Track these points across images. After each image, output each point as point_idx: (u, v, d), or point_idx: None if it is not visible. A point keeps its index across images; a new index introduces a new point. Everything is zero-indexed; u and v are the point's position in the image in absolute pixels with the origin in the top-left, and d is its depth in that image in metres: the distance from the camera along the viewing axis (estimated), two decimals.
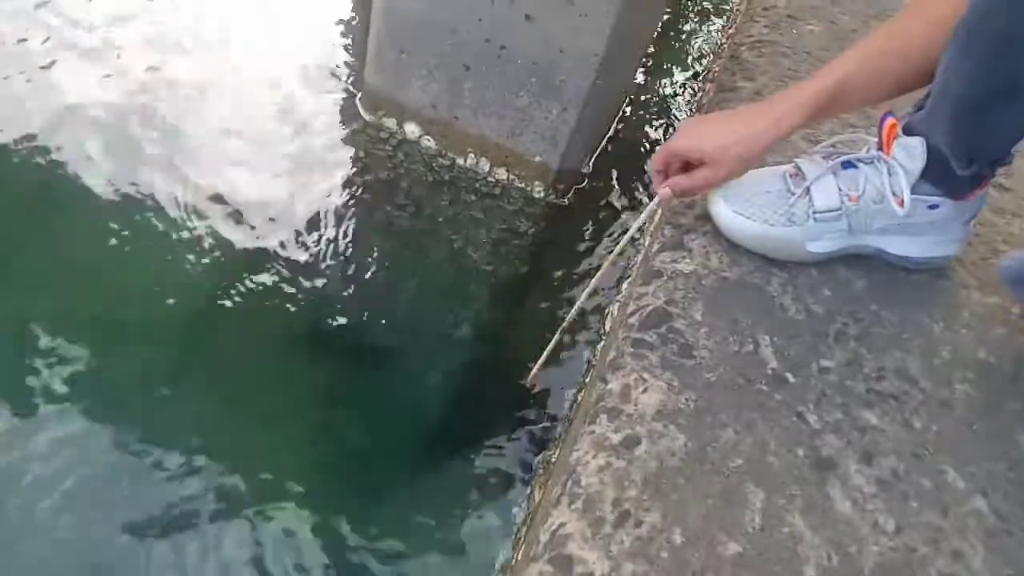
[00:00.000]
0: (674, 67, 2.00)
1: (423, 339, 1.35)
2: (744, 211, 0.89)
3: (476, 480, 1.17)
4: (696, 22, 2.22)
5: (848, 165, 0.88)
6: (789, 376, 0.80)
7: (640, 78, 1.89)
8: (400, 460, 1.19)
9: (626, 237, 0.92)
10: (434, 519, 1.13)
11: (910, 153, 0.84)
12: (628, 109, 1.76)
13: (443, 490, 1.18)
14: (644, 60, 1.92)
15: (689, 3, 2.29)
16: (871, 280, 0.92)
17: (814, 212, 0.88)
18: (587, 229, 1.52)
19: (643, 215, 0.90)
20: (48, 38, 1.62)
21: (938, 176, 0.84)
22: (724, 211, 0.90)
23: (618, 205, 1.56)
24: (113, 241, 1.32)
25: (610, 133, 1.64)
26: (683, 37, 2.15)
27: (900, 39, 0.81)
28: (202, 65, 1.65)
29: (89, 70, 1.59)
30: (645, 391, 0.75)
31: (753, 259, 0.91)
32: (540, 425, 1.22)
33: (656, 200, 0.88)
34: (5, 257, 1.28)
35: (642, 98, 1.85)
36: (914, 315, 0.90)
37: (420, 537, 1.10)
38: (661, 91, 1.90)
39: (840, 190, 0.87)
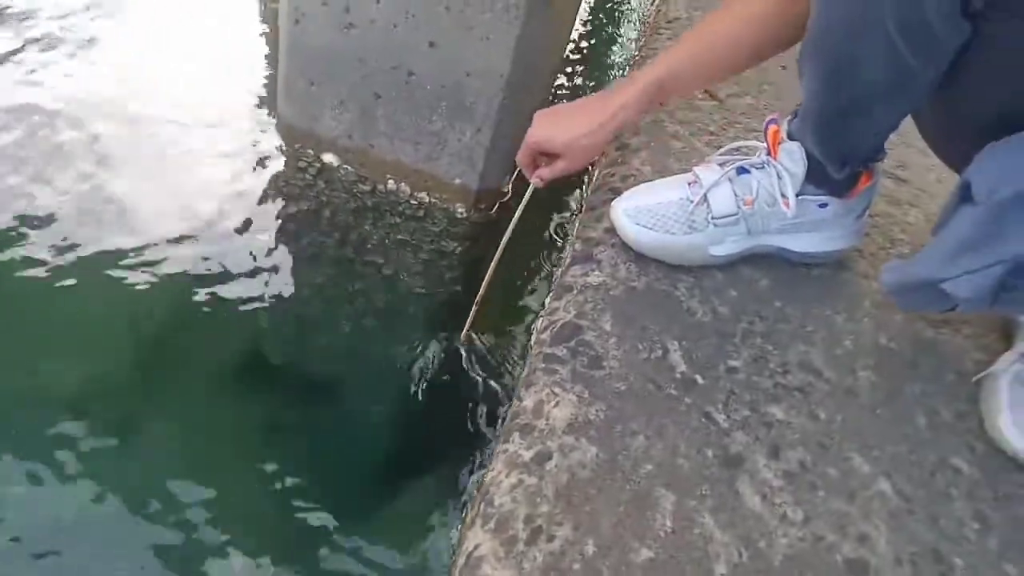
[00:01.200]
0: (591, 81, 2.04)
1: (361, 366, 1.34)
2: (646, 223, 0.92)
3: (421, 508, 1.17)
4: (611, 36, 2.27)
5: (742, 171, 0.91)
6: (698, 378, 0.82)
7: (563, 87, 1.92)
8: (344, 492, 1.17)
9: (509, 228, 0.99)
10: (379, 551, 1.12)
11: (792, 158, 0.88)
12: None
13: (387, 521, 1.17)
14: (562, 73, 1.95)
15: (603, 17, 2.34)
16: (774, 278, 0.95)
17: (713, 218, 0.90)
18: (514, 243, 1.53)
19: (522, 202, 0.98)
20: None
21: (819, 178, 0.88)
22: (627, 224, 0.92)
23: (541, 217, 1.58)
24: (38, 282, 1.29)
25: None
26: (599, 52, 2.19)
27: (715, 29, 0.88)
28: (120, 104, 1.62)
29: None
30: (556, 405, 0.76)
31: (660, 267, 0.94)
32: (480, 447, 1.23)
33: (530, 189, 0.96)
34: None
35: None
36: (817, 308, 0.93)
37: (367, 570, 1.09)
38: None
39: (736, 195, 0.90)
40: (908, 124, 0.85)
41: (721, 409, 0.79)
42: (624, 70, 2.11)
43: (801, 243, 0.96)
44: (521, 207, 0.97)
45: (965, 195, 0.71)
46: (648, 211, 0.91)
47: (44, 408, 1.16)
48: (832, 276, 0.98)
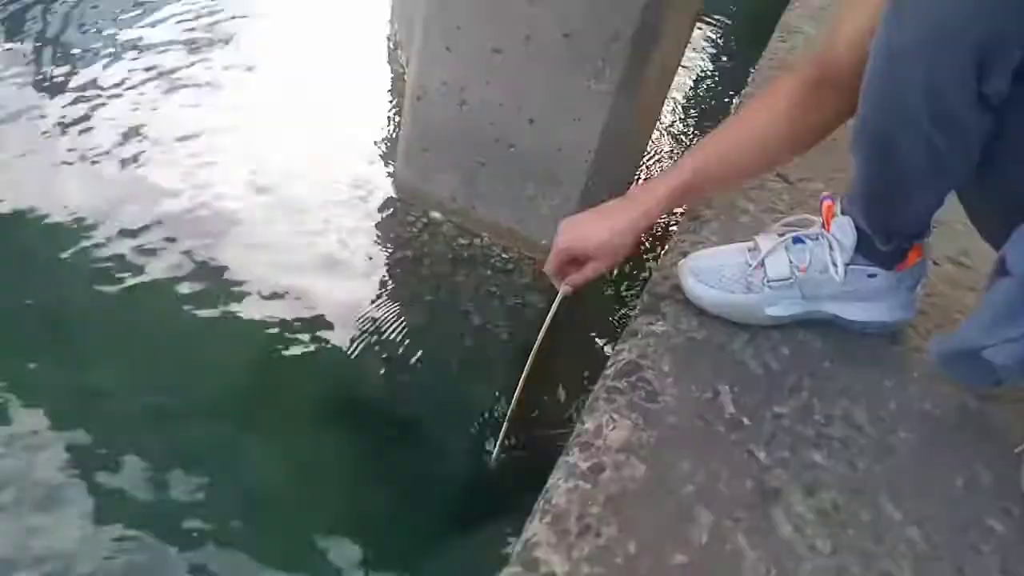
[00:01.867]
0: (676, 157, 2.18)
1: (448, 407, 1.46)
2: (708, 281, 1.03)
3: (500, 545, 1.23)
4: (694, 119, 2.42)
5: (798, 240, 1.02)
6: (744, 420, 0.91)
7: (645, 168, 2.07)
8: (428, 529, 1.28)
9: (542, 331, 1.07)
10: None
11: (843, 230, 0.97)
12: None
13: (470, 557, 1.26)
14: (649, 151, 2.11)
15: (691, 101, 2.50)
16: (827, 342, 1.04)
17: (768, 281, 1.00)
18: (594, 301, 1.66)
19: (551, 310, 1.05)
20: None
21: (868, 250, 0.97)
22: (691, 282, 1.04)
23: (621, 277, 1.71)
24: (146, 314, 1.49)
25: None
26: (686, 132, 2.34)
27: (741, 131, 0.97)
28: (253, 157, 1.87)
29: (140, 153, 1.82)
30: (614, 428, 0.87)
31: (720, 324, 1.04)
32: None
33: (560, 296, 1.03)
34: (57, 328, 1.44)
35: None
36: (865, 372, 1.00)
37: None
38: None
39: (791, 262, 1.00)
40: None
41: (763, 448, 0.87)
42: None
43: (854, 312, 1.04)
44: (550, 315, 1.05)
45: (1002, 269, 0.78)
46: (710, 271, 1.02)
47: (140, 427, 1.30)
48: (884, 346, 1.05)
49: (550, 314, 1.05)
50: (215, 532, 1.20)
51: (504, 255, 1.68)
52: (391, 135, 2.00)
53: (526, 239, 1.60)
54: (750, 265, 1.01)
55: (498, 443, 1.25)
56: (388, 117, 2.09)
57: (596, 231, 0.97)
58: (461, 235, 1.71)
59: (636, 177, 1.96)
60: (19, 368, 1.37)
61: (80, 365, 1.40)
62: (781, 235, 1.03)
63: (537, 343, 1.09)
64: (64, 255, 1.57)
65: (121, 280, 1.55)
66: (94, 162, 1.79)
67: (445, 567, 1.24)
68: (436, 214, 1.70)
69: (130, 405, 1.35)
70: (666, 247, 1.31)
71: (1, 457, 1.23)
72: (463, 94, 1.46)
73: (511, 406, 1.16)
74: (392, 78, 2.26)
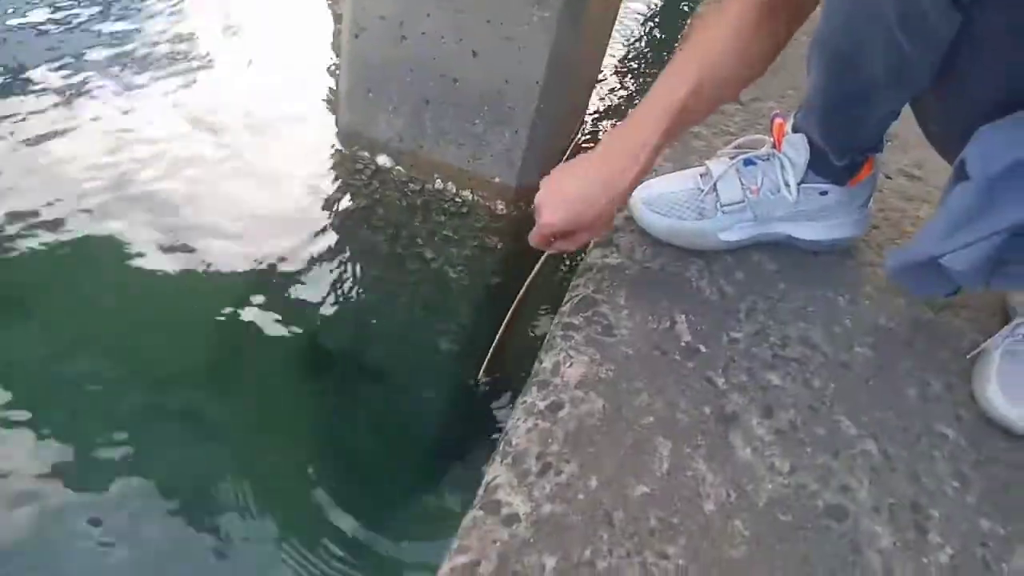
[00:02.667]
0: (631, 89, 2.14)
1: (411, 353, 1.45)
2: (660, 209, 1.01)
3: (469, 483, 1.26)
4: (647, 41, 2.36)
5: (748, 162, 1.00)
6: (701, 347, 0.90)
7: (600, 93, 2.02)
8: (399, 470, 1.27)
9: (523, 288, 1.05)
10: (433, 526, 1.21)
11: (795, 148, 0.96)
12: (588, 125, 1.90)
13: (440, 495, 1.27)
14: (602, 77, 2.06)
15: (643, 27, 2.43)
16: (781, 263, 1.03)
17: (721, 205, 0.99)
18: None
19: (531, 275, 1.02)
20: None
21: (821, 166, 0.96)
22: (643, 211, 1.02)
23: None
24: (109, 277, 1.44)
25: (569, 149, 1.77)
26: (639, 60, 2.29)
27: (716, 44, 0.85)
28: (194, 111, 1.79)
29: (69, 116, 1.73)
30: (571, 365, 0.86)
31: (674, 252, 1.03)
32: None
33: (542, 259, 0.99)
34: (24, 300, 1.40)
35: (604, 112, 1.98)
36: (819, 291, 1.00)
37: (419, 547, 1.17)
38: (619, 107, 2.04)
39: (742, 184, 0.99)
40: None
41: (720, 373, 0.87)
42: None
43: (807, 231, 1.03)
44: (531, 275, 1.02)
45: (960, 174, 0.77)
46: (662, 199, 1.01)
47: (114, 390, 1.27)
48: (837, 263, 1.05)
49: (532, 274, 1.02)
50: (190, 492, 1.19)
51: (457, 198, 1.64)
52: (333, 80, 1.92)
53: (479, 178, 1.56)
54: (702, 191, 1.00)
55: (483, 368, 1.23)
56: (327, 61, 2.00)
57: (590, 205, 0.86)
58: (412, 180, 1.66)
59: (587, 108, 1.91)
60: None
61: (32, 335, 1.35)
62: (732, 158, 1.01)
63: (516, 301, 1.07)
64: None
65: (68, 245, 1.49)
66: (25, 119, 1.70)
67: (426, 505, 1.25)
68: (384, 158, 1.65)
69: (88, 370, 1.31)
70: None
71: None
72: (402, 29, 1.39)
73: (499, 333, 1.14)
74: (330, 19, 2.15)
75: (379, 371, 1.43)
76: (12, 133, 1.69)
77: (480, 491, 0.76)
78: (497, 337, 1.16)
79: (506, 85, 1.36)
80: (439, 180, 1.62)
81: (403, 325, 1.50)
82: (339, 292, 1.50)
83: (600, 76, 2.05)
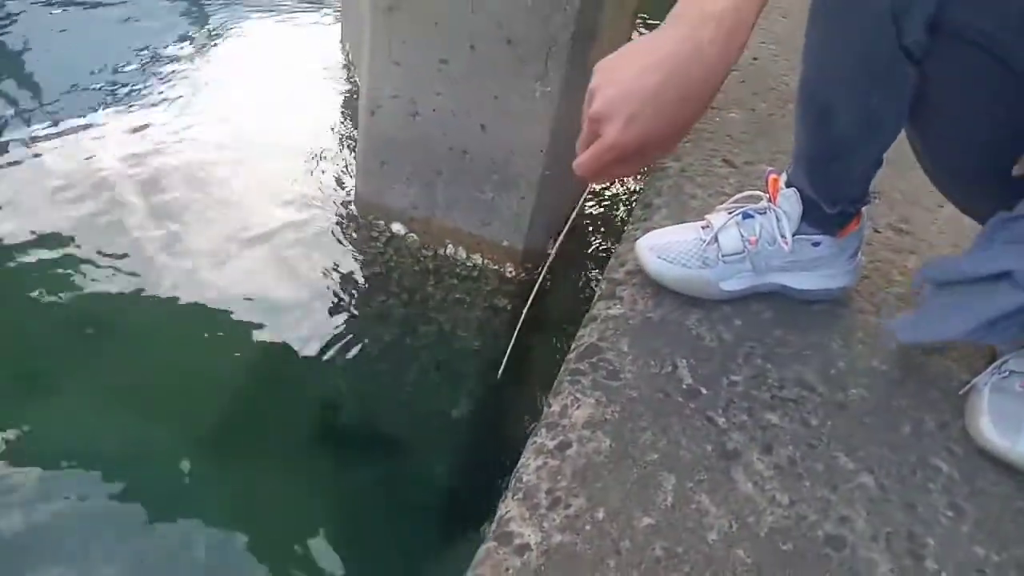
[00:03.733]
0: None
1: (424, 417, 1.49)
2: (667, 257, 1.07)
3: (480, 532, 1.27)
4: None
5: (747, 216, 1.07)
6: (702, 389, 0.95)
7: None
8: (413, 538, 1.30)
9: (560, 235, 1.12)
10: None
11: (789, 202, 1.03)
12: (590, 195, 1.99)
13: (457, 554, 1.29)
14: None
15: None
16: (777, 311, 1.09)
17: (722, 255, 1.05)
18: (558, 298, 1.71)
19: (574, 213, 1.08)
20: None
21: (814, 218, 1.03)
22: (649, 258, 1.08)
23: (583, 274, 1.76)
24: (125, 346, 1.49)
25: (573, 214, 1.85)
26: None
27: None
28: (215, 181, 1.90)
29: (88, 172, 1.84)
30: (578, 408, 0.91)
31: (675, 302, 1.08)
32: None
33: (585, 193, 1.00)
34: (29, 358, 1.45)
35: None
36: (814, 336, 1.06)
37: None
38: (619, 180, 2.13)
39: (742, 236, 1.06)
40: (914, 184, 0.95)
41: (721, 413, 0.92)
42: None
43: (801, 281, 1.09)
44: (574, 214, 1.07)
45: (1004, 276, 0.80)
46: (669, 247, 1.07)
47: (122, 465, 1.30)
48: (830, 311, 1.11)
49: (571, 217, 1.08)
50: (203, 557, 1.21)
51: (468, 263, 1.72)
52: (350, 154, 2.03)
53: (488, 243, 1.64)
54: (704, 241, 1.06)
55: (506, 358, 1.29)
56: (345, 136, 2.13)
57: (675, 119, 0.68)
58: (425, 246, 1.74)
59: None
60: None
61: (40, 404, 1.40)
62: (731, 212, 1.08)
63: (570, 219, 1.11)
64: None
65: (78, 315, 1.55)
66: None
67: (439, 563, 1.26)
68: (399, 226, 1.73)
69: (92, 446, 1.34)
70: (622, 236, 1.36)
71: None
72: (414, 106, 1.50)
73: (521, 319, 1.19)
74: (347, 98, 2.30)
75: (392, 434, 1.47)
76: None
77: (493, 525, 0.79)
78: (513, 337, 1.22)
79: (512, 155, 1.46)
80: (451, 245, 1.70)
81: (416, 388, 1.54)
82: (353, 356, 1.56)
83: None
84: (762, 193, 1.10)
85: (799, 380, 0.98)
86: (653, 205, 1.31)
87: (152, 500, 1.26)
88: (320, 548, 1.25)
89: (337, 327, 1.60)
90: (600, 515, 0.78)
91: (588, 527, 0.77)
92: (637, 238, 1.22)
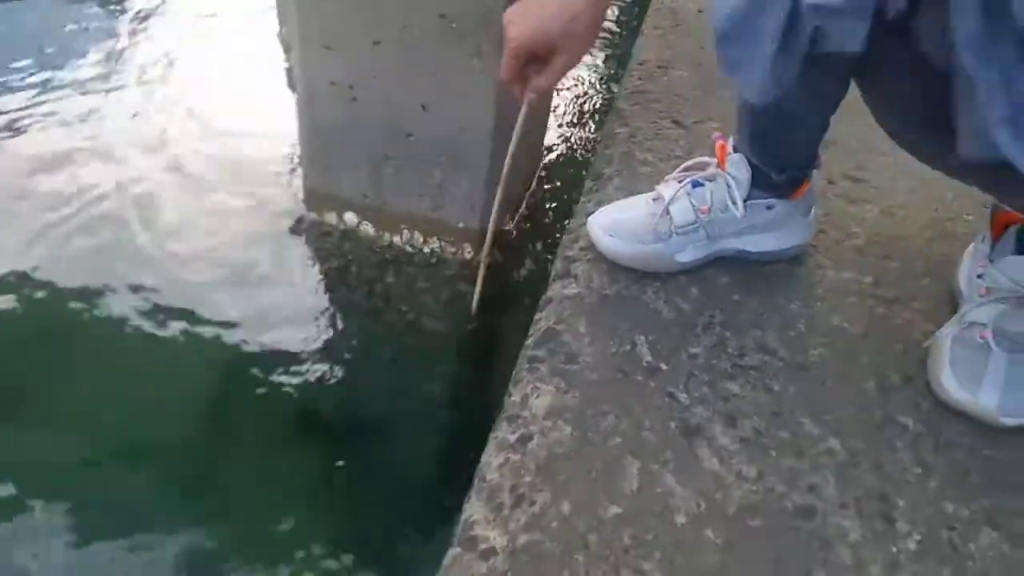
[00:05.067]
0: (584, 126, 2.20)
1: (397, 405, 1.48)
2: (619, 235, 1.04)
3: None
4: (600, 84, 2.43)
5: (696, 184, 1.04)
6: (662, 365, 0.93)
7: (553, 138, 2.08)
8: (389, 526, 1.29)
9: (507, 158, 1.08)
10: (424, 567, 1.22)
11: (738, 167, 1.00)
12: (544, 171, 1.95)
13: (430, 538, 1.28)
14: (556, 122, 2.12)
15: (594, 69, 2.51)
16: (733, 276, 1.07)
17: (675, 227, 1.03)
18: (519, 277, 1.68)
19: (516, 130, 1.03)
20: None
21: (764, 182, 1.00)
22: (602, 236, 1.05)
23: (541, 250, 1.73)
24: (90, 355, 1.46)
25: (529, 191, 1.82)
26: (588, 100, 2.35)
27: None
28: (156, 180, 1.83)
29: (31, 180, 1.77)
30: (538, 396, 0.88)
31: (630, 276, 1.06)
32: None
33: (523, 111, 0.94)
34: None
35: (557, 157, 2.04)
36: (772, 298, 1.04)
37: None
38: (573, 150, 2.09)
39: (693, 206, 1.03)
40: (869, 130, 0.90)
41: (682, 389, 0.90)
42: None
43: (757, 243, 1.07)
44: (516, 135, 1.01)
45: None
46: (619, 224, 1.04)
47: (105, 467, 1.30)
48: (787, 270, 1.09)
49: (515, 134, 1.02)
50: (193, 556, 1.21)
51: (426, 249, 1.68)
52: (294, 146, 1.97)
53: (444, 225, 1.60)
54: (655, 215, 1.03)
55: (476, 296, 1.28)
56: (289, 124, 2.06)
57: (554, 16, 0.78)
58: (380, 235, 1.70)
59: (543, 145, 1.97)
60: None
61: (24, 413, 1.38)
62: (680, 181, 1.05)
63: (504, 174, 1.09)
64: None
65: (50, 317, 1.52)
66: None
67: (417, 549, 1.26)
68: (352, 216, 1.68)
69: (76, 443, 1.33)
70: (574, 210, 1.33)
71: None
72: (352, 91, 1.45)
73: (483, 256, 1.17)
74: (290, 82, 2.21)
75: (367, 424, 1.45)
76: None
77: (458, 529, 0.77)
78: (480, 274, 1.21)
79: (458, 133, 1.41)
80: (406, 231, 1.66)
81: (387, 378, 1.52)
82: (320, 351, 1.53)
83: (554, 109, 2.11)
84: (710, 159, 1.07)
85: (759, 345, 0.97)
86: (604, 175, 1.27)
87: (133, 507, 1.25)
88: (296, 539, 1.25)
89: (301, 324, 1.57)
90: (565, 509, 0.76)
91: (554, 524, 0.75)
92: (590, 212, 1.19)
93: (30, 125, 1.95)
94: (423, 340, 1.59)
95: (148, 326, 1.52)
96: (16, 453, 1.31)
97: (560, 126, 2.16)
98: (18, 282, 1.57)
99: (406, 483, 1.36)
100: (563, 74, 0.86)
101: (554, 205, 1.87)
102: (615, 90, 2.00)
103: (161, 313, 1.54)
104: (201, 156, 1.91)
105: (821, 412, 0.88)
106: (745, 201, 1.02)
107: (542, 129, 1.88)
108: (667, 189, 1.05)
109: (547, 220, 1.82)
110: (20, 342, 1.49)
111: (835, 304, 1.03)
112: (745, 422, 0.87)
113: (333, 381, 1.49)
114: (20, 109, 1.99)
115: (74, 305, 1.54)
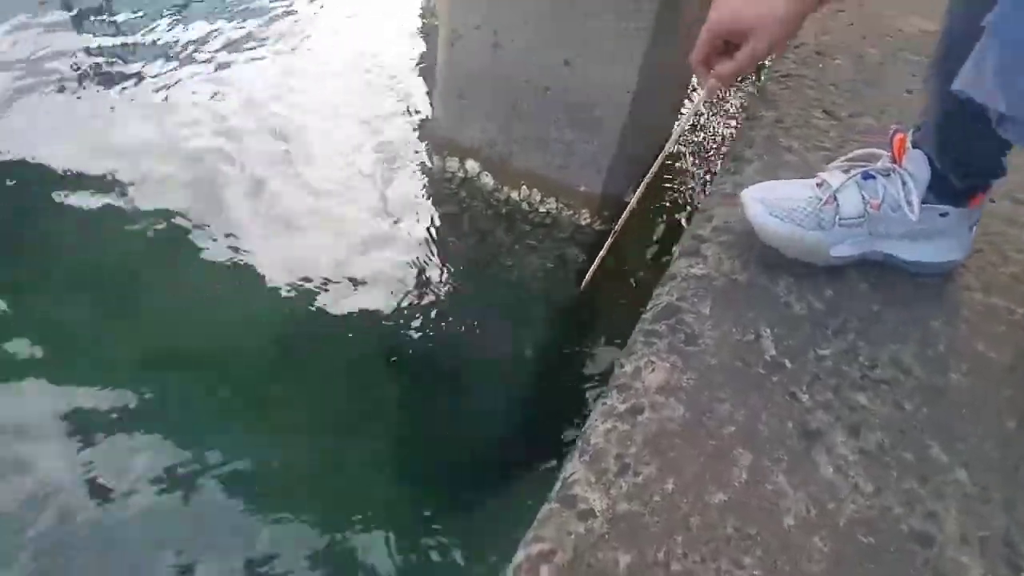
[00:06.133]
0: (719, 103, 2.12)
1: (489, 358, 1.49)
2: (778, 214, 0.97)
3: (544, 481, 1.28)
4: None
5: (868, 176, 0.97)
6: (786, 362, 0.89)
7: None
8: (475, 481, 1.32)
9: (676, 133, 1.03)
10: (505, 523, 1.24)
11: (917, 165, 0.93)
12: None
13: (511, 493, 1.29)
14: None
15: None
16: (874, 283, 1.01)
17: (840, 218, 0.96)
18: (633, 253, 1.64)
19: (691, 109, 1.01)
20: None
21: (941, 188, 0.93)
22: (760, 211, 0.98)
23: (662, 229, 1.68)
24: (209, 276, 1.54)
25: (657, 163, 1.76)
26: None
27: None
28: (287, 118, 1.89)
29: (173, 122, 1.86)
30: (652, 371, 0.87)
31: (762, 265, 1.01)
32: None
33: (704, 93, 0.91)
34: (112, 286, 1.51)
35: (695, 131, 1.97)
36: (913, 312, 0.97)
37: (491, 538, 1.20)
38: (711, 124, 2.02)
39: (864, 198, 0.96)
40: None
41: (805, 390, 0.86)
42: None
43: (914, 252, 0.99)
44: (687, 118, 1.01)
45: None
46: (781, 203, 0.97)
47: (195, 392, 1.36)
48: (933, 286, 1.01)
49: (687, 116, 1.04)
50: (269, 486, 1.26)
51: (542, 208, 1.67)
52: (428, 87, 1.98)
53: (565, 186, 1.58)
54: (820, 200, 0.96)
55: (592, 268, 1.22)
56: (424, 66, 2.07)
57: (756, 2, 0.76)
58: (499, 188, 1.70)
59: (679, 116, 1.90)
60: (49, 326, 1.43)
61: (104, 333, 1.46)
62: (846, 171, 0.99)
63: (665, 149, 1.04)
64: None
65: (150, 238, 1.60)
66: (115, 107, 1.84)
67: (499, 500, 1.28)
68: (473, 165, 1.69)
69: (173, 360, 1.40)
70: (708, 189, 1.28)
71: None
72: (496, 37, 1.43)
73: (609, 238, 1.14)
74: (428, 25, 2.23)
75: (453, 373, 1.47)
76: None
77: (557, 485, 0.77)
78: (600, 254, 1.16)
79: (597, 93, 1.38)
80: (525, 188, 1.65)
81: (480, 329, 1.53)
82: (422, 298, 1.55)
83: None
84: (880, 152, 1.00)
85: (894, 360, 0.91)
86: (744, 157, 1.22)
87: (220, 432, 1.31)
88: (384, 476, 1.29)
89: (406, 266, 1.60)
90: (670, 486, 0.75)
91: (657, 498, 0.73)
92: (725, 191, 1.15)
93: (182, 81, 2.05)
94: (523, 299, 1.58)
95: (251, 248, 1.60)
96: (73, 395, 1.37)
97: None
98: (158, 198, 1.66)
99: (489, 439, 1.38)
100: (748, 65, 0.82)
101: (676, 181, 1.82)
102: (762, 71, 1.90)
103: (267, 241, 1.61)
104: (332, 93, 1.96)
105: (953, 440, 0.83)
106: (921, 204, 0.94)
107: (686, 78, 1.81)
108: (833, 177, 0.98)
109: (668, 195, 1.77)
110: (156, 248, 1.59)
111: (981, 330, 0.96)
112: (869, 435, 0.82)
113: (426, 325, 1.52)
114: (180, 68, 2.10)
115: (176, 231, 1.62)
